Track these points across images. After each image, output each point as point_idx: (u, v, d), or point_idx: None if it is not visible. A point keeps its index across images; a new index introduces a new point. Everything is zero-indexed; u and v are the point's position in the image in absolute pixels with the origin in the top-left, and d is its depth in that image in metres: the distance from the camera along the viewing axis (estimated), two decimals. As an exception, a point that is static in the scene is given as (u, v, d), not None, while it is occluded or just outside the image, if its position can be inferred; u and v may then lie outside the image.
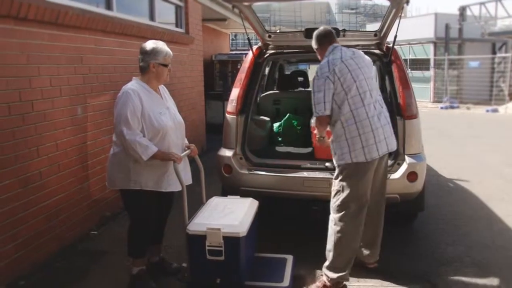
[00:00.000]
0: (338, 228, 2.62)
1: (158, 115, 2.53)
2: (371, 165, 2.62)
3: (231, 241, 2.40)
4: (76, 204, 3.51)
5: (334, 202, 2.66)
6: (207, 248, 2.43)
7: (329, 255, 2.65)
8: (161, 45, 2.57)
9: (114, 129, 2.54)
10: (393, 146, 2.73)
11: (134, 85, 2.55)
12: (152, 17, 5.20)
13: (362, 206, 2.64)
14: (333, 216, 2.66)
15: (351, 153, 2.57)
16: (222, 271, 2.49)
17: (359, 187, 2.61)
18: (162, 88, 2.74)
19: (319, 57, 2.86)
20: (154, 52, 2.53)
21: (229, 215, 2.61)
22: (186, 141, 2.82)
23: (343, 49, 2.74)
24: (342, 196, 2.62)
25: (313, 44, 2.85)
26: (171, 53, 2.62)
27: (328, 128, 2.73)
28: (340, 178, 2.64)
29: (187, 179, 2.77)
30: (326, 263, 2.67)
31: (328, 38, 2.80)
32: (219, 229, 2.42)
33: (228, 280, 2.50)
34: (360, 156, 2.57)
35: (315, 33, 2.84)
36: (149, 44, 2.56)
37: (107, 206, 3.99)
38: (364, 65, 2.73)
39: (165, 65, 2.57)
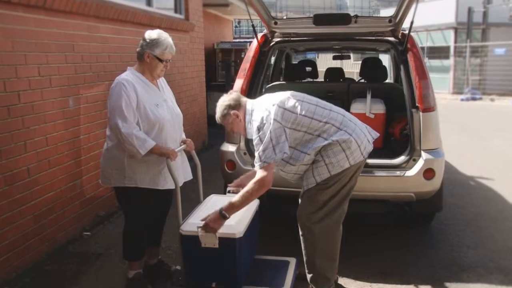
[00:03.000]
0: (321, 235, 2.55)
1: (154, 107, 2.52)
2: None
3: (227, 242, 2.37)
4: (68, 202, 3.52)
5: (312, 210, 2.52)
6: (201, 249, 2.40)
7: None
8: (164, 38, 2.55)
9: (108, 122, 2.54)
10: (373, 138, 2.62)
11: (128, 75, 2.54)
12: (149, 2, 5.19)
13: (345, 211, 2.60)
14: (315, 226, 2.53)
15: (349, 158, 2.45)
16: (217, 274, 2.47)
17: (347, 191, 2.56)
18: (161, 78, 2.73)
19: (239, 126, 2.58)
20: (154, 42, 2.52)
21: None
22: (184, 135, 2.81)
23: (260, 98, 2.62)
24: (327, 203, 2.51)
25: (229, 116, 2.56)
26: (173, 49, 2.59)
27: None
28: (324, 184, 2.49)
29: (186, 175, 2.76)
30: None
31: (243, 99, 2.62)
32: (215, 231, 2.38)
33: (224, 283, 2.48)
34: (358, 156, 2.49)
35: (227, 104, 2.57)
36: (153, 33, 2.55)
37: (101, 205, 4.00)
38: (297, 94, 2.60)
39: (160, 60, 2.55)
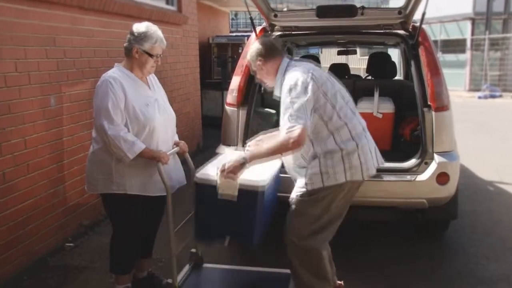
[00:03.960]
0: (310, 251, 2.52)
1: (144, 107, 2.53)
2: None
3: (247, 194, 2.33)
4: (49, 211, 3.52)
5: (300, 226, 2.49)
6: (217, 201, 2.36)
7: None
8: (154, 30, 2.56)
9: (94, 123, 2.54)
10: (382, 162, 2.63)
11: (115, 72, 2.55)
12: None
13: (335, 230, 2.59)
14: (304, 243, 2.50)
15: (346, 172, 2.43)
16: (232, 229, 2.43)
17: (342, 210, 2.56)
18: (151, 75, 2.74)
19: (264, 77, 2.62)
20: (142, 36, 2.53)
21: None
22: (176, 137, 2.82)
23: (305, 62, 2.60)
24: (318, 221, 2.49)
25: (256, 59, 2.59)
26: (164, 43, 2.60)
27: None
28: (317, 199, 2.48)
29: (179, 179, 2.77)
30: None
31: (279, 50, 2.62)
32: (234, 178, 2.34)
33: (238, 240, 2.48)
34: (357, 174, 2.47)
35: (259, 47, 2.59)
36: (141, 26, 2.57)
37: (86, 213, 4.00)
38: (333, 77, 2.64)
39: (150, 55, 2.56)
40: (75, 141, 3.81)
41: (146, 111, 2.53)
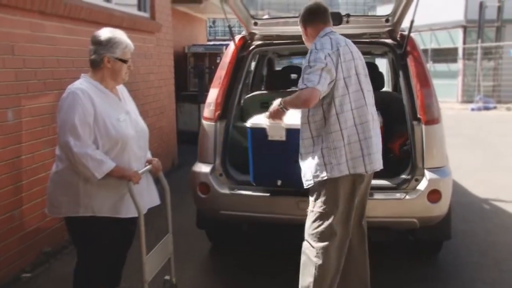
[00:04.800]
0: (320, 261, 2.62)
1: (115, 122, 2.51)
2: (365, 178, 2.73)
3: (295, 134, 2.80)
4: (4, 237, 3.43)
5: (315, 228, 2.67)
6: (268, 144, 3.03)
7: None
8: (120, 34, 2.57)
9: (58, 139, 2.51)
10: (381, 165, 2.80)
11: (83, 84, 2.53)
12: None
13: (349, 233, 2.73)
14: (316, 245, 2.65)
15: (348, 162, 2.61)
16: (283, 170, 3.05)
17: (351, 207, 2.68)
18: (121, 87, 2.73)
19: (306, 41, 2.88)
20: (112, 43, 2.52)
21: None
22: (149, 154, 2.80)
23: (341, 36, 2.80)
24: (328, 219, 2.64)
25: (300, 22, 2.85)
26: (132, 45, 2.62)
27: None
28: (326, 196, 2.65)
29: (152, 199, 2.75)
30: None
31: (321, 17, 2.80)
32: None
33: (290, 182, 3.02)
34: (359, 166, 2.63)
35: (303, 9, 2.84)
36: (104, 33, 2.56)
37: (46, 239, 3.92)
38: (363, 62, 2.83)
39: (124, 61, 2.56)
40: (36, 160, 3.75)
41: (118, 126, 2.51)
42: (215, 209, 3.42)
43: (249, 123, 3.19)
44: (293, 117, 2.84)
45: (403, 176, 3.30)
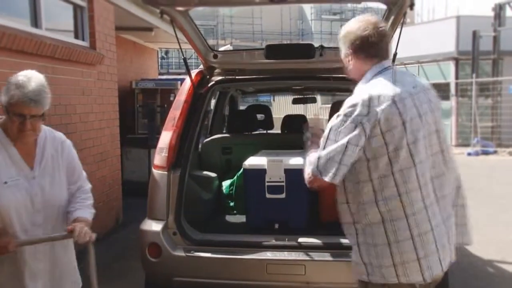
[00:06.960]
0: None
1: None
2: None
3: (294, 174, 3.14)
4: None
5: None
6: (266, 184, 3.44)
7: None
8: (21, 80, 2.36)
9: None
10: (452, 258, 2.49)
11: None
12: (36, 22, 5.13)
13: None
14: None
15: (397, 267, 2.26)
16: (281, 212, 3.47)
17: None
18: (54, 138, 2.61)
19: (348, 70, 2.52)
20: (6, 86, 2.38)
21: (289, 154, 3.72)
22: (77, 214, 2.55)
23: (398, 74, 2.38)
24: None
25: (344, 48, 2.44)
26: (31, 100, 2.33)
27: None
28: None
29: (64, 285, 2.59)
30: None
31: (378, 48, 2.37)
32: (281, 160, 3.51)
33: (288, 224, 3.46)
34: (414, 274, 2.28)
35: (348, 28, 2.40)
36: (14, 77, 2.41)
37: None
38: (432, 108, 2.50)
39: (9, 113, 2.34)
40: None
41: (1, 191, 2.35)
42: (167, 275, 3.40)
43: (244, 164, 3.69)
44: (292, 158, 3.32)
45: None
